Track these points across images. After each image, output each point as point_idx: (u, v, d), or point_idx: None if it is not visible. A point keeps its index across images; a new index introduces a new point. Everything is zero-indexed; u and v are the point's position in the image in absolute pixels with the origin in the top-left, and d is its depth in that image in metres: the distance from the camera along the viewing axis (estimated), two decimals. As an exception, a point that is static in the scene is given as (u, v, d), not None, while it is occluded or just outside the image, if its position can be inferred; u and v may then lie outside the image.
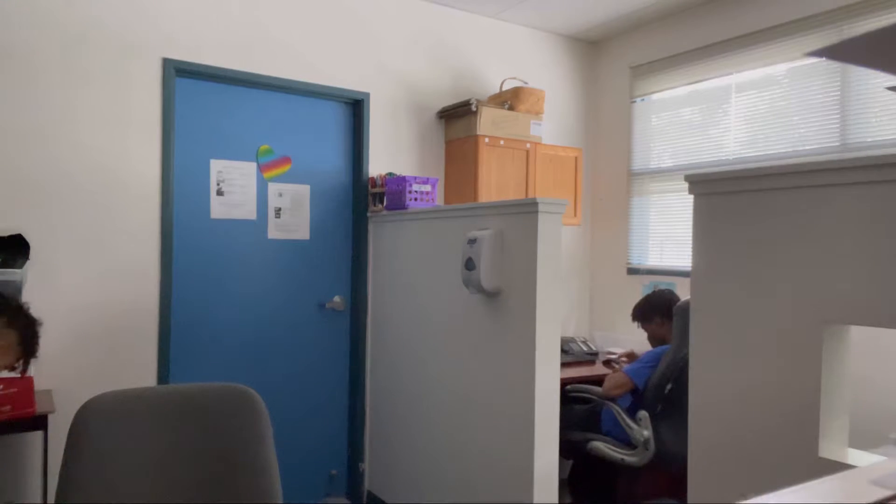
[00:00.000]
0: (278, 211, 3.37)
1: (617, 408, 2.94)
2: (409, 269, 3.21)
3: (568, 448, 3.01)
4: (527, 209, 2.40)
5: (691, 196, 1.83)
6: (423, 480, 3.06)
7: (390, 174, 3.42)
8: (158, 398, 1.50)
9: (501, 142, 3.62)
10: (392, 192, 3.28)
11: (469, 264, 2.53)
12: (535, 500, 2.35)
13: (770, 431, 1.60)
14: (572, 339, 3.84)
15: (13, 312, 1.97)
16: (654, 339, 3.23)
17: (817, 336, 1.52)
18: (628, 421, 2.88)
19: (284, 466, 1.60)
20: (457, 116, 3.70)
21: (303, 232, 3.45)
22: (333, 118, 3.54)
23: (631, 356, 3.56)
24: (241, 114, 3.26)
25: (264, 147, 3.32)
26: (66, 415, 1.55)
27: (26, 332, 1.96)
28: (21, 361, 1.94)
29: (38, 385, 2.49)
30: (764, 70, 3.43)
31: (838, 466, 1.45)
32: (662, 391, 2.84)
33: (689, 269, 1.85)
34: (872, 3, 2.97)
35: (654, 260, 4.03)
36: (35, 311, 2.11)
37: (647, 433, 2.80)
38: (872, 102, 2.98)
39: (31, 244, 2.63)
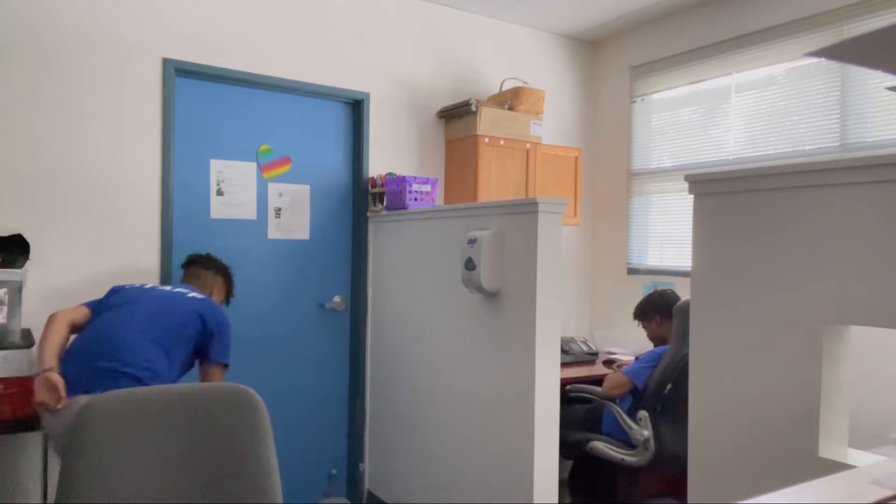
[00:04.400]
0: (278, 211, 3.37)
1: (617, 408, 2.94)
2: (409, 269, 3.21)
3: (568, 448, 3.01)
4: (527, 209, 2.40)
5: (691, 196, 1.83)
6: (423, 480, 3.06)
7: (390, 174, 3.42)
8: (158, 398, 1.49)
9: (501, 142, 3.62)
10: (392, 192, 3.28)
11: (469, 264, 2.53)
12: (535, 500, 2.35)
13: (770, 431, 1.60)
14: (572, 339, 3.84)
15: (215, 262, 2.76)
16: (655, 339, 3.23)
17: (817, 336, 1.52)
18: (628, 421, 2.88)
19: (284, 466, 1.60)
20: (457, 116, 3.70)
21: (303, 232, 3.45)
22: (333, 118, 3.54)
23: None
24: (241, 114, 3.26)
25: (264, 147, 3.32)
26: (66, 415, 1.55)
27: (227, 276, 2.79)
28: (227, 299, 2.79)
29: (38, 385, 2.48)
30: (764, 70, 3.43)
31: (838, 466, 1.45)
32: (662, 391, 2.84)
33: (689, 269, 1.85)
34: (872, 3, 2.97)
35: (654, 260, 4.03)
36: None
37: (647, 433, 2.80)
38: (872, 102, 2.98)
39: (31, 244, 2.63)
